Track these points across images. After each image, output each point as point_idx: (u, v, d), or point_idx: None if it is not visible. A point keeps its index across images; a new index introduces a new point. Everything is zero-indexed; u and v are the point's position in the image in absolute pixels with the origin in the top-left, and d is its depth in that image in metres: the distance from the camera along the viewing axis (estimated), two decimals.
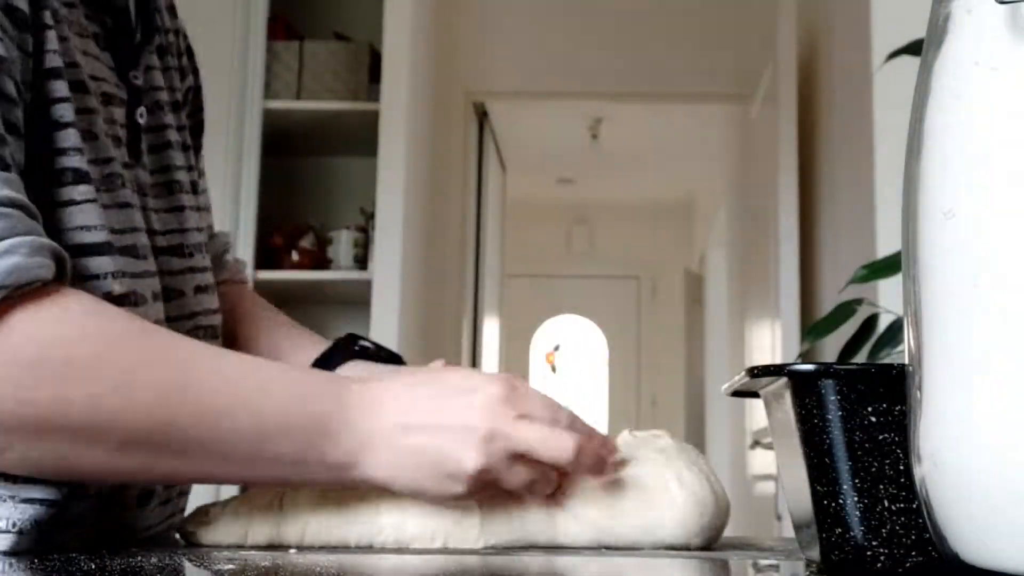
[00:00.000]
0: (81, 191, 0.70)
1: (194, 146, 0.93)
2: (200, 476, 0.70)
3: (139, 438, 0.64)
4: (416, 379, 0.72)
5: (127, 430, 0.63)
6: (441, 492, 0.69)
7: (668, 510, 0.73)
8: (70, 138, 0.70)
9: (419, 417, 0.68)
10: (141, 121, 0.80)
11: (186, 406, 0.65)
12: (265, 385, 0.68)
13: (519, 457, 0.68)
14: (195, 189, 0.88)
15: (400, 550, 0.72)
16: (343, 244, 3.11)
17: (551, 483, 0.72)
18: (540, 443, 0.68)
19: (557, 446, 0.68)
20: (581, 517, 0.73)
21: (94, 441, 0.63)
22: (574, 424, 0.72)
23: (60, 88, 0.70)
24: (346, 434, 0.68)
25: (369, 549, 0.73)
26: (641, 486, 0.74)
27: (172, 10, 0.92)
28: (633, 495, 0.74)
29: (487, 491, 0.70)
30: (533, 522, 0.73)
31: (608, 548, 0.74)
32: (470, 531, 0.73)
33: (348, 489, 0.75)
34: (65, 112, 0.70)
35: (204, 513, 0.76)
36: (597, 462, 0.71)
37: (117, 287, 0.71)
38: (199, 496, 0.90)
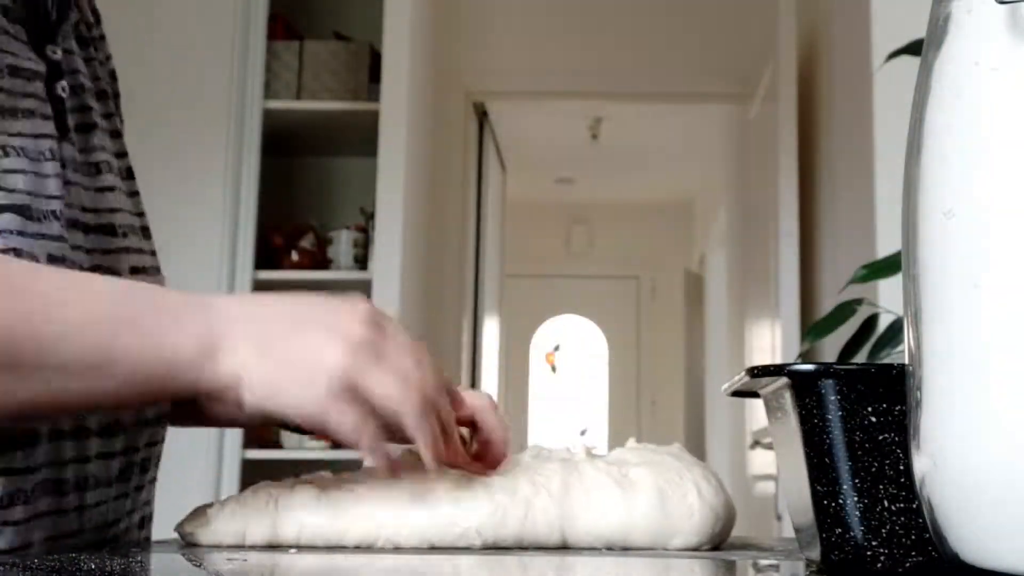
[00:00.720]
0: None
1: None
2: (40, 395, 0.64)
3: None
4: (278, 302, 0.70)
5: None
6: (300, 394, 0.65)
7: (685, 520, 0.73)
8: None
9: (278, 318, 0.68)
10: (63, 95, 0.79)
11: (18, 311, 0.62)
12: (107, 286, 0.67)
13: (384, 363, 0.66)
14: (129, 175, 0.87)
15: (400, 550, 0.72)
16: (343, 244, 3.11)
17: (416, 401, 0.67)
18: (389, 390, 0.66)
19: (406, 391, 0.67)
20: (594, 522, 0.73)
21: None
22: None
23: None
24: (200, 322, 0.65)
25: (368, 549, 0.73)
26: (660, 493, 0.74)
27: (95, 14, 0.91)
28: (651, 503, 0.73)
29: (351, 407, 0.65)
30: (541, 526, 0.73)
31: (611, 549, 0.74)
32: (473, 532, 0.73)
33: (343, 487, 0.75)
34: None
35: (201, 514, 0.76)
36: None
37: None
38: (198, 498, 0.90)
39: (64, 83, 0.79)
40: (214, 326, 0.66)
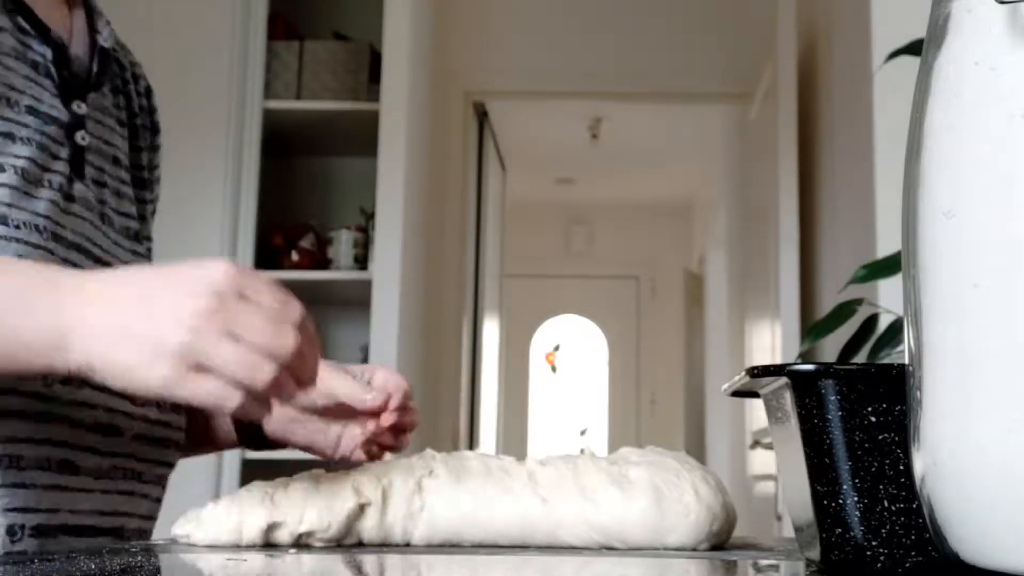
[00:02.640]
0: None
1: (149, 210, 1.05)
2: None
3: None
4: (130, 275, 0.74)
5: None
6: (146, 372, 0.67)
7: (681, 519, 0.73)
8: None
9: (126, 301, 0.69)
10: (83, 143, 0.91)
11: None
12: None
13: (232, 336, 0.66)
14: (136, 237, 0.99)
15: (399, 548, 0.72)
16: (343, 244, 3.10)
17: (270, 372, 0.67)
18: (236, 365, 0.66)
19: (252, 367, 0.67)
20: (591, 518, 0.73)
21: None
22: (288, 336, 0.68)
23: None
24: (50, 311, 0.69)
25: (367, 548, 0.73)
26: (657, 493, 0.74)
27: (152, 108, 1.08)
28: (648, 502, 0.74)
29: (203, 378, 0.67)
30: (540, 523, 0.74)
31: (611, 548, 0.74)
32: (474, 529, 0.73)
33: (337, 479, 0.75)
34: None
35: (196, 514, 0.76)
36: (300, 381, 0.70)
37: None
38: (198, 499, 0.91)
39: (84, 133, 0.92)
40: (63, 315, 0.69)
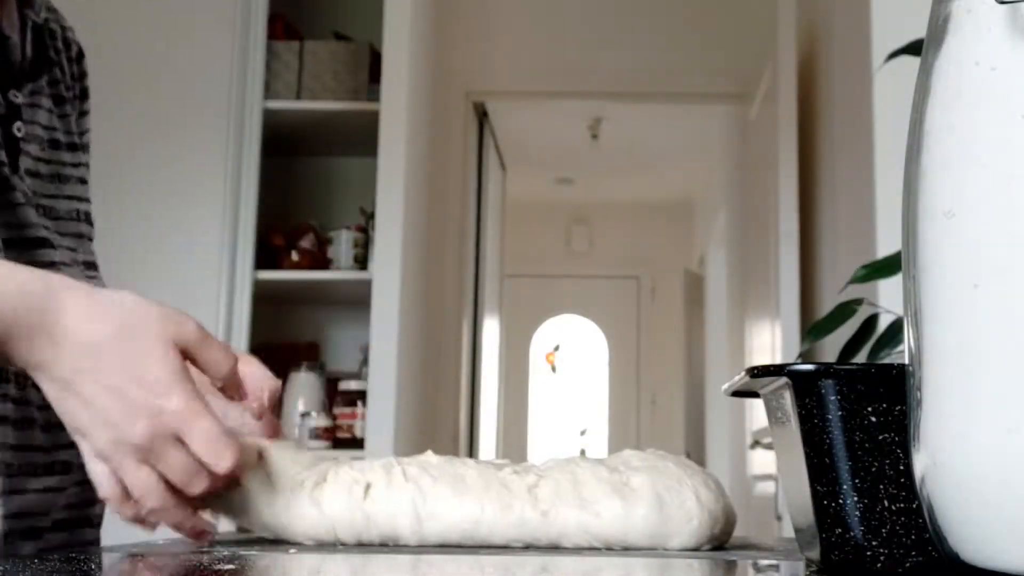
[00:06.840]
0: None
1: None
2: None
3: None
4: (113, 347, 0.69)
5: None
6: (104, 440, 0.68)
7: (684, 524, 0.74)
8: None
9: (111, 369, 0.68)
10: (19, 134, 0.88)
11: None
12: None
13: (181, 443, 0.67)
14: (86, 218, 0.96)
15: (397, 548, 0.72)
16: (343, 244, 3.10)
17: (204, 481, 0.68)
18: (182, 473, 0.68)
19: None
20: (594, 531, 0.73)
21: None
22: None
23: None
24: (43, 338, 0.68)
25: (366, 549, 0.73)
26: (659, 500, 0.74)
27: (84, 91, 1.01)
28: (650, 509, 0.74)
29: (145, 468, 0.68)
30: (541, 535, 0.74)
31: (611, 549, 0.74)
32: (474, 529, 0.73)
33: (341, 478, 0.75)
34: None
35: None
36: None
37: None
38: None
39: (20, 124, 0.88)
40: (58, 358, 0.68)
